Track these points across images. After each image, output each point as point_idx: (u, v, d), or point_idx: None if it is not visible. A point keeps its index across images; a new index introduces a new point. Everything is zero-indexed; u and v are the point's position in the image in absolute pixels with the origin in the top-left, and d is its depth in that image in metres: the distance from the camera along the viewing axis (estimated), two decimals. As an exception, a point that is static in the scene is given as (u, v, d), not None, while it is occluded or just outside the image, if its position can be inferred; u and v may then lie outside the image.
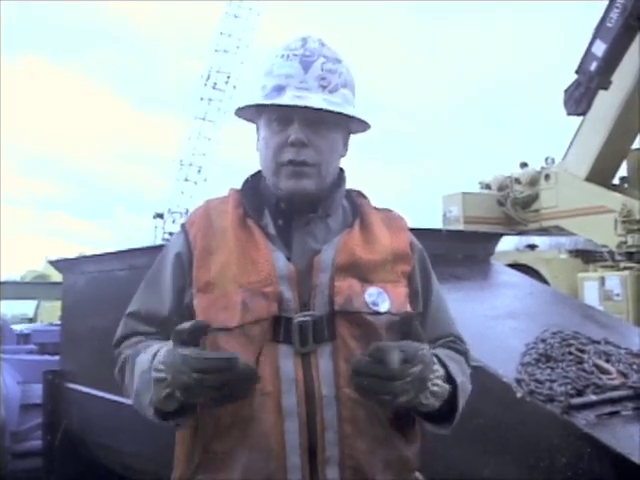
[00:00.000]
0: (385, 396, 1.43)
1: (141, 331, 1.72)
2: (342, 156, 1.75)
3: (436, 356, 1.60)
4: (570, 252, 13.93)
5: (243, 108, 1.72)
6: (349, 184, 1.80)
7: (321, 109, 1.60)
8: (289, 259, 1.63)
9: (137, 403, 1.59)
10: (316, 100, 1.61)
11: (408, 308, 1.68)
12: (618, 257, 12.89)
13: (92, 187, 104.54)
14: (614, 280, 12.09)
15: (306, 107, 1.60)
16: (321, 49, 1.67)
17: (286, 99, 1.61)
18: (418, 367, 1.46)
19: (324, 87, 1.63)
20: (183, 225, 1.76)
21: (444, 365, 1.60)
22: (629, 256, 12.72)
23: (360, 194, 1.83)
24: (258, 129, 1.75)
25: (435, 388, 1.52)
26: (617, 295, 11.94)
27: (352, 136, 1.79)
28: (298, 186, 1.64)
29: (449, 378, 1.59)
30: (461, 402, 1.63)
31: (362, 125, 1.75)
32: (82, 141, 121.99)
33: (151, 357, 1.53)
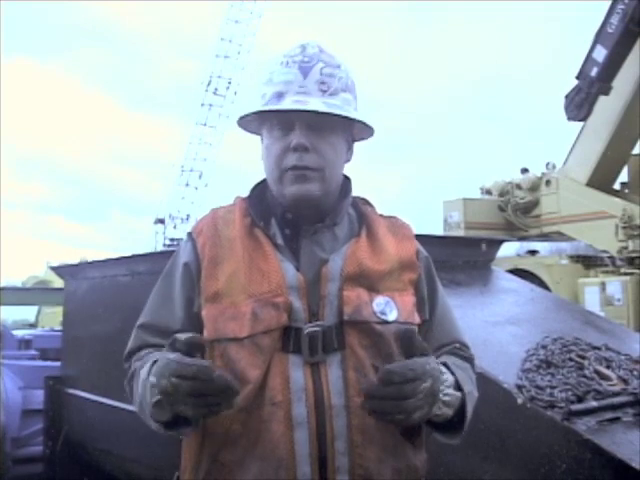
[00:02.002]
0: (399, 416, 1.45)
1: (152, 343, 1.70)
2: (347, 161, 1.75)
3: (444, 364, 1.62)
4: (571, 257, 13.97)
5: (244, 118, 1.72)
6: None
7: (322, 112, 1.61)
8: (297, 269, 1.63)
9: (141, 413, 1.60)
10: (316, 103, 1.61)
11: (416, 316, 1.69)
12: (619, 262, 12.92)
13: (89, 190, 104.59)
14: (615, 285, 12.12)
15: (306, 111, 1.60)
16: (320, 54, 1.67)
17: (286, 104, 1.62)
18: (428, 382, 1.47)
19: (324, 91, 1.64)
20: (190, 234, 1.75)
21: (452, 373, 1.61)
22: (630, 261, 12.74)
23: (366, 202, 1.83)
24: (262, 139, 1.75)
25: (447, 398, 1.54)
26: (618, 300, 11.96)
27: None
28: (302, 190, 1.63)
29: (458, 386, 1.61)
30: (469, 409, 1.64)
31: (366, 130, 1.75)
32: (78, 144, 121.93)
33: (150, 365, 1.54)
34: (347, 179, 1.79)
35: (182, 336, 1.46)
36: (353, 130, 1.74)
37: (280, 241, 1.67)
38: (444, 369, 1.58)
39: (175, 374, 1.39)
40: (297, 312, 1.59)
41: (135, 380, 1.63)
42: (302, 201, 1.65)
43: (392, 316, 1.62)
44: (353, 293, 1.61)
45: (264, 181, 1.77)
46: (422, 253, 1.80)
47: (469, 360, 1.76)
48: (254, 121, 1.73)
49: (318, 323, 1.59)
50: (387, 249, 1.70)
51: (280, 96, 1.64)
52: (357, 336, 1.60)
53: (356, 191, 1.83)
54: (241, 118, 1.73)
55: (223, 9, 36.73)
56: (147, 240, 37.78)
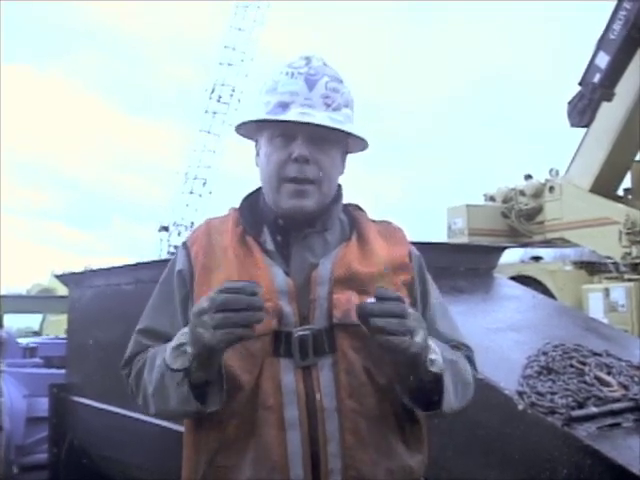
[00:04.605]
0: (404, 337, 1.46)
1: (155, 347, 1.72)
2: (340, 174, 1.79)
3: None
4: (575, 264, 13.93)
5: (245, 124, 1.75)
6: (349, 195, 1.84)
7: (326, 126, 1.64)
8: (288, 274, 1.66)
9: (159, 393, 1.58)
10: (321, 117, 1.64)
11: None
12: (623, 268, 12.89)
13: (89, 196, 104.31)
14: (619, 291, 12.10)
15: (312, 124, 1.63)
16: (324, 68, 1.71)
17: (292, 115, 1.64)
18: (413, 311, 1.53)
19: (328, 105, 1.67)
20: (184, 243, 1.79)
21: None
22: (634, 267, 12.72)
23: (357, 207, 1.86)
24: (257, 146, 1.78)
25: (434, 355, 1.56)
26: (622, 306, 11.94)
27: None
28: (299, 205, 1.67)
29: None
30: (448, 379, 1.61)
31: (360, 145, 1.78)
32: (77, 149, 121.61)
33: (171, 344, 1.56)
34: (338, 186, 1.81)
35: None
36: (348, 144, 1.77)
37: (271, 247, 1.70)
38: None
39: (222, 289, 1.44)
40: (287, 316, 1.62)
41: (147, 368, 1.63)
42: (297, 215, 1.68)
43: None
44: (343, 296, 1.63)
45: (256, 190, 1.81)
46: (414, 254, 1.81)
47: (466, 356, 1.77)
48: (251, 127, 1.76)
49: (308, 327, 1.61)
50: (377, 252, 1.72)
51: (285, 106, 1.66)
52: (348, 339, 1.61)
53: (356, 197, 1.87)
54: (243, 124, 1.75)
55: (224, 16, 36.89)
56: (150, 247, 37.86)
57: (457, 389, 1.65)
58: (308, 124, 1.63)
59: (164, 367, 1.55)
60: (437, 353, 1.57)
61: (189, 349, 1.49)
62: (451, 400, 1.62)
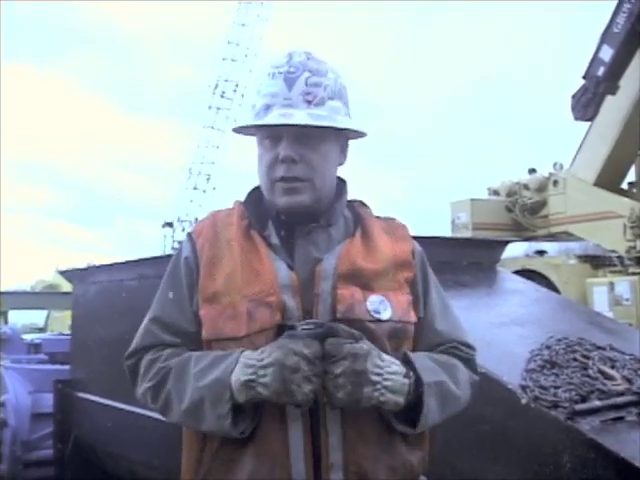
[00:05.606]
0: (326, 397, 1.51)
1: (169, 342, 1.72)
2: (340, 164, 1.79)
3: (404, 354, 1.63)
4: (579, 258, 13.90)
5: (235, 130, 1.77)
6: (350, 194, 1.83)
7: (306, 125, 1.64)
8: (292, 268, 1.66)
9: (193, 414, 1.60)
10: (300, 116, 1.64)
11: (411, 315, 1.71)
12: (627, 262, 12.86)
13: (90, 195, 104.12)
14: (623, 285, 12.08)
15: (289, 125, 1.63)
16: (306, 63, 1.70)
17: (271, 118, 1.65)
18: (347, 360, 1.51)
19: (309, 102, 1.66)
20: (190, 234, 1.79)
21: (409, 362, 1.62)
22: (638, 261, 12.69)
23: (362, 204, 1.86)
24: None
25: (388, 382, 1.55)
26: (626, 300, 11.92)
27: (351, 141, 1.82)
28: (292, 202, 1.67)
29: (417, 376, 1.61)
30: (428, 400, 1.61)
31: (357, 132, 1.78)
32: (79, 149, 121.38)
33: (229, 364, 1.56)
34: (342, 181, 1.82)
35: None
36: (346, 133, 1.77)
37: (275, 241, 1.71)
38: (386, 356, 1.59)
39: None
40: (291, 311, 1.62)
41: (172, 380, 1.64)
42: (293, 211, 1.69)
43: (386, 315, 1.64)
44: (347, 292, 1.63)
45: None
46: (417, 251, 1.82)
47: (463, 359, 1.77)
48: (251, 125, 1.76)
49: (311, 321, 1.60)
50: (381, 249, 1.73)
51: (267, 108, 1.67)
52: None
53: (359, 195, 1.87)
54: (234, 129, 1.78)
55: (224, 14, 36.82)
56: (151, 245, 37.88)
57: (440, 409, 1.66)
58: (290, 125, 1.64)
59: (208, 393, 1.56)
60: (391, 380, 1.56)
61: (264, 392, 1.52)
62: (428, 424, 1.65)
